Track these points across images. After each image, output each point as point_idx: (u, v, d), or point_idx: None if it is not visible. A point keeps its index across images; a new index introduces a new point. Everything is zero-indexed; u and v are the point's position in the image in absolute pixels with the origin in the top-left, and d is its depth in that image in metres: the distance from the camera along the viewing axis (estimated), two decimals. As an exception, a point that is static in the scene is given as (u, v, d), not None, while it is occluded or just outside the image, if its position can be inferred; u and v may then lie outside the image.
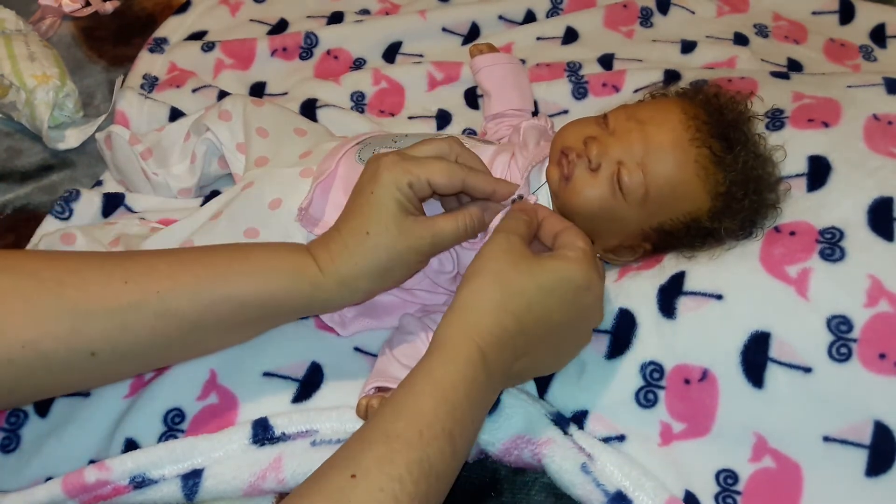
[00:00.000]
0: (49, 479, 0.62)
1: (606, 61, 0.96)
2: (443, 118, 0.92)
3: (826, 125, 0.71)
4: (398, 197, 0.58)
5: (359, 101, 0.94)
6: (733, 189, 0.65)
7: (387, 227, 0.58)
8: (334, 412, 0.63)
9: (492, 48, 0.91)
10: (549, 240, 0.61)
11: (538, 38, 1.02)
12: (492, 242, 0.59)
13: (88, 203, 0.80)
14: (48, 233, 0.77)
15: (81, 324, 0.52)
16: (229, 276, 0.56)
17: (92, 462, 0.63)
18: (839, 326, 0.61)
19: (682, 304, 0.65)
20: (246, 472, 0.61)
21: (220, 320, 0.56)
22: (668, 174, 0.65)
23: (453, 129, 0.92)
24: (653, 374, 0.64)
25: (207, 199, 0.83)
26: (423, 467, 0.47)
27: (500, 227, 0.60)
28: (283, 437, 0.62)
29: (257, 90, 0.97)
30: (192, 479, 0.61)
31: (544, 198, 0.69)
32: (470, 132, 0.91)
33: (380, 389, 0.62)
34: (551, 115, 0.89)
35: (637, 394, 0.64)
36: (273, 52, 0.99)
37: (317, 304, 0.59)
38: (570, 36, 1.03)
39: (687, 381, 0.63)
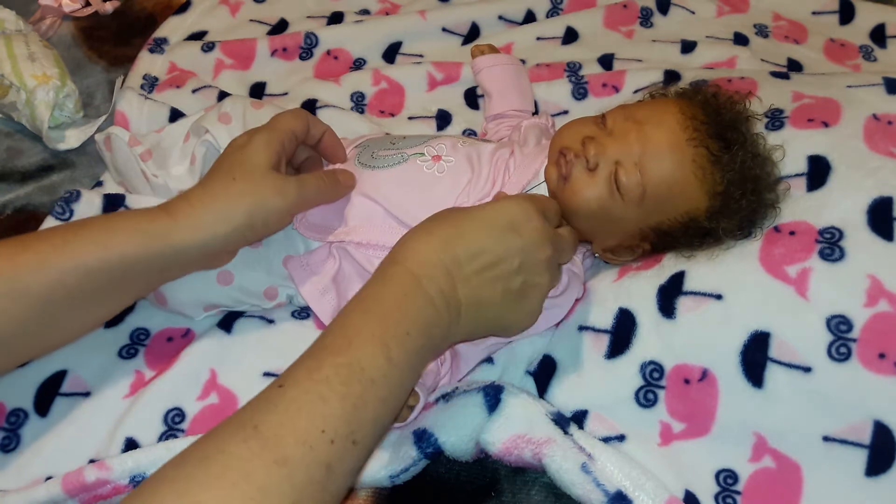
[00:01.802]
0: (49, 478, 0.62)
1: (606, 61, 0.96)
2: (443, 118, 0.92)
3: (826, 125, 0.71)
4: (269, 155, 0.61)
5: (359, 102, 0.94)
6: (731, 189, 0.65)
7: (254, 174, 0.59)
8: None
9: (493, 49, 0.91)
10: None
11: (538, 39, 1.02)
12: None
13: (89, 204, 0.80)
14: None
15: None
16: (70, 246, 0.56)
17: (92, 461, 0.63)
18: (839, 326, 0.61)
19: (682, 303, 0.65)
20: (246, 471, 0.61)
21: (71, 292, 0.55)
22: (665, 174, 0.65)
23: (453, 129, 0.92)
24: (653, 374, 0.64)
25: (207, 199, 0.83)
26: (352, 370, 0.47)
27: None
28: (283, 437, 0.62)
29: (257, 90, 0.97)
30: (192, 478, 0.61)
31: (543, 197, 0.70)
32: (470, 132, 0.91)
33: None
34: (551, 116, 0.89)
35: (637, 393, 0.64)
36: (273, 53, 0.99)
37: (171, 254, 0.58)
38: (570, 36, 1.03)
39: (687, 381, 0.63)
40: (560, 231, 0.63)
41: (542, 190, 0.69)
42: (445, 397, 0.64)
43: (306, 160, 0.70)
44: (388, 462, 0.62)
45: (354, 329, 0.50)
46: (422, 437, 0.62)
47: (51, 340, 0.61)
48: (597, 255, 0.72)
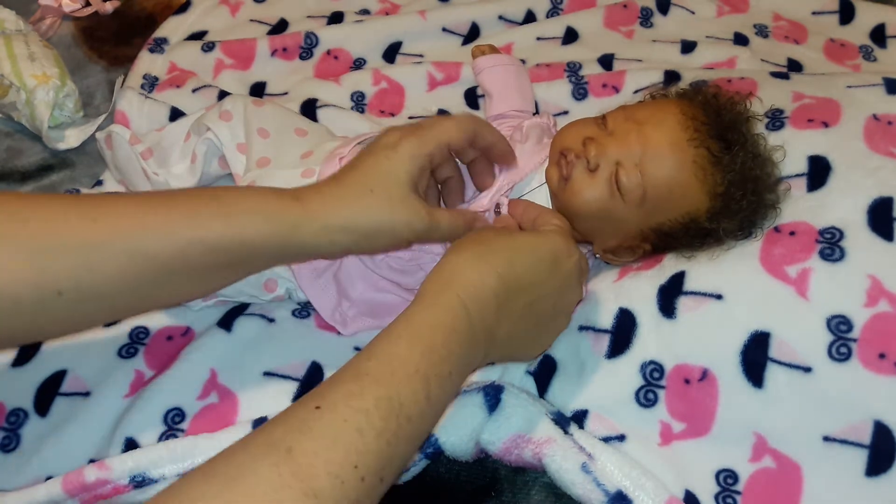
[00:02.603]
0: (49, 478, 0.62)
1: (606, 61, 0.96)
2: (443, 118, 0.92)
3: (826, 125, 0.71)
4: (412, 170, 0.58)
5: (359, 101, 0.94)
6: (732, 189, 0.65)
7: (391, 193, 0.57)
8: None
9: (493, 49, 0.91)
10: (528, 226, 0.63)
11: (538, 39, 1.02)
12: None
13: (88, 203, 0.80)
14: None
15: (47, 261, 0.50)
16: (200, 218, 0.54)
17: (92, 461, 0.63)
18: (839, 326, 0.61)
19: (682, 303, 0.65)
20: (246, 471, 0.61)
21: (190, 264, 0.54)
22: (665, 175, 0.65)
23: (453, 129, 0.92)
24: (653, 374, 0.64)
25: (207, 198, 0.83)
26: (392, 405, 0.46)
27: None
28: (284, 437, 0.62)
29: (257, 90, 0.97)
30: (192, 478, 0.61)
31: (543, 198, 0.70)
32: (470, 132, 0.91)
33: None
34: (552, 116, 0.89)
35: (637, 393, 0.64)
36: (273, 52, 0.99)
37: (292, 248, 0.56)
38: (570, 36, 1.03)
39: (687, 381, 0.63)
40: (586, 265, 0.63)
41: (543, 191, 0.70)
42: (445, 397, 0.64)
43: (448, 180, 0.67)
44: (389, 462, 0.62)
45: (400, 360, 0.48)
46: (422, 437, 0.62)
47: (153, 304, 0.60)
48: (597, 255, 0.72)
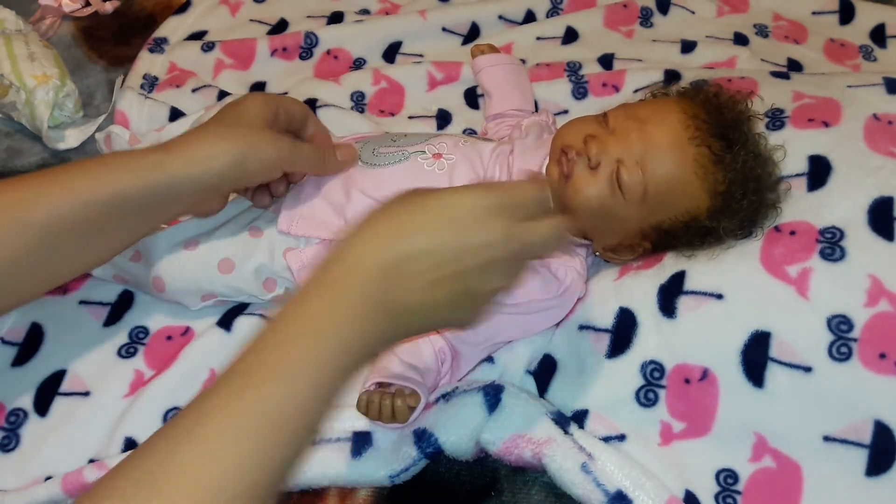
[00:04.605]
0: (49, 478, 0.62)
1: (606, 61, 0.96)
2: (443, 118, 0.92)
3: (826, 125, 0.71)
4: (265, 111, 0.62)
5: (359, 101, 0.94)
6: (732, 188, 0.65)
7: (248, 125, 0.62)
8: (333, 410, 0.63)
9: (493, 49, 0.91)
10: None
11: (538, 38, 1.02)
12: None
13: (88, 203, 0.80)
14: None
15: None
16: (67, 177, 0.58)
17: (92, 461, 0.63)
18: (839, 326, 0.61)
19: (683, 303, 0.65)
20: (246, 471, 0.61)
21: (71, 224, 0.57)
22: (666, 173, 0.65)
23: (453, 128, 0.92)
24: (653, 374, 0.64)
25: (207, 198, 0.83)
26: (257, 407, 0.44)
27: None
28: (283, 437, 0.62)
29: (257, 90, 0.97)
30: (191, 478, 0.61)
31: (544, 197, 0.69)
32: (470, 132, 0.91)
33: (380, 385, 0.63)
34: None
35: (637, 393, 0.64)
36: (273, 52, 0.99)
37: (162, 185, 0.59)
38: (570, 36, 1.03)
39: (687, 381, 0.63)
40: (530, 226, 0.52)
41: (544, 189, 0.69)
42: (445, 397, 0.64)
43: (314, 133, 0.70)
44: (388, 462, 0.62)
45: (263, 360, 0.46)
46: (422, 437, 0.62)
47: (56, 271, 0.61)
48: (597, 253, 0.72)
